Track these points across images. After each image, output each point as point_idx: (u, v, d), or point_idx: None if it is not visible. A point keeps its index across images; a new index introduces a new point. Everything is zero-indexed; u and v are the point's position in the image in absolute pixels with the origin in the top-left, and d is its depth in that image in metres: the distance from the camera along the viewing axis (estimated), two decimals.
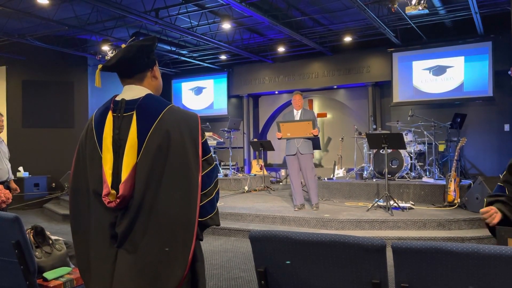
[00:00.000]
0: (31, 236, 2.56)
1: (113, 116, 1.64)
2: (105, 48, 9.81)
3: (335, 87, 11.79)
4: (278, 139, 6.69)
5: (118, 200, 1.54)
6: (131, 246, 1.56)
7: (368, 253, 1.41)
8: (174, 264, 1.54)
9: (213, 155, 10.45)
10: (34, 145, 10.39)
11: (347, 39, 10.11)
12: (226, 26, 9.11)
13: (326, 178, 8.68)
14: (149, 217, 1.56)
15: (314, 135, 6.44)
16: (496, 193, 2.18)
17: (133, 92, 1.70)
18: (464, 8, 8.31)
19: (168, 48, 10.96)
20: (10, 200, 4.28)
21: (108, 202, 1.55)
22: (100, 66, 1.72)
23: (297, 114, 6.71)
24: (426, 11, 7.11)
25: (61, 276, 2.50)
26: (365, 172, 8.63)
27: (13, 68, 10.53)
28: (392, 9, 7.16)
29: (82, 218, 1.67)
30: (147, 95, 1.68)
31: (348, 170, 9.64)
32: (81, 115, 10.83)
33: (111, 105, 1.67)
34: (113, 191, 1.55)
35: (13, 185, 5.19)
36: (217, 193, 1.71)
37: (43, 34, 9.36)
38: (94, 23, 8.97)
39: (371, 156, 8.28)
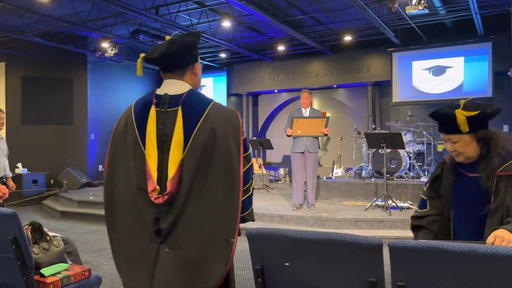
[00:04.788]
0: (29, 232, 2.55)
1: (156, 110, 1.63)
2: (105, 45, 9.78)
3: (335, 86, 11.78)
4: (287, 136, 6.48)
5: (166, 197, 1.54)
6: (174, 241, 1.56)
7: (365, 252, 1.41)
8: (216, 260, 1.55)
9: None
10: (33, 142, 10.37)
11: (347, 38, 10.10)
12: (226, 24, 9.10)
13: (324, 177, 8.68)
14: (194, 214, 1.56)
15: (324, 134, 6.38)
16: (422, 211, 2.22)
17: (175, 87, 1.68)
18: (464, 8, 8.30)
19: None
20: (7, 196, 4.29)
21: (155, 198, 1.55)
22: (142, 55, 1.70)
23: (305, 113, 6.60)
24: (426, 11, 7.10)
25: (58, 273, 2.49)
26: (364, 172, 8.63)
27: (12, 64, 10.51)
28: (393, 9, 7.15)
29: (119, 212, 1.66)
30: (190, 91, 1.68)
31: (347, 170, 9.64)
32: (80, 112, 10.81)
33: (153, 99, 1.65)
34: (158, 187, 1.55)
35: (10, 182, 5.17)
36: (253, 189, 1.74)
37: (42, 30, 9.34)
38: (94, 20, 8.95)
39: (370, 156, 8.28)
